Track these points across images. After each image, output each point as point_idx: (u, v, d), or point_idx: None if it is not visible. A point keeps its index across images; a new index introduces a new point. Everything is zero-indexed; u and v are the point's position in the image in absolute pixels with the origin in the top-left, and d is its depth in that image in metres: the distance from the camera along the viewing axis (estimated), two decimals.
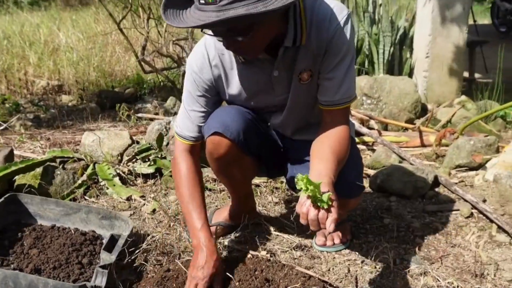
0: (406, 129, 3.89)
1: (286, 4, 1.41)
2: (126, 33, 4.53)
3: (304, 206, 1.42)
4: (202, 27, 1.47)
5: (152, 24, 4.42)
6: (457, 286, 1.88)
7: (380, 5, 4.76)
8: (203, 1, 1.42)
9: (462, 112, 3.99)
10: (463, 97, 4.36)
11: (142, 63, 4.30)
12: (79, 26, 7.42)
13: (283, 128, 2.06)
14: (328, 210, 1.39)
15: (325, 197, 1.37)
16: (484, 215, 2.39)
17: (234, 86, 1.87)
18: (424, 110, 4.23)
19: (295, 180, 1.39)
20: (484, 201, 2.49)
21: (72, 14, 9.05)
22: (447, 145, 3.34)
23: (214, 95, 1.91)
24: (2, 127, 3.97)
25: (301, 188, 1.36)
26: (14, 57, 5.94)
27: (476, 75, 5.44)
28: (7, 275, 1.74)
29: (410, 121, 4.03)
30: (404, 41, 4.64)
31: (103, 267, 1.82)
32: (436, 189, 2.70)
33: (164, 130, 2.90)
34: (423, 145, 3.56)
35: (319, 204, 1.38)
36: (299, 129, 2.03)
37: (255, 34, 1.53)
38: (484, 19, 10.84)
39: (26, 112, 4.58)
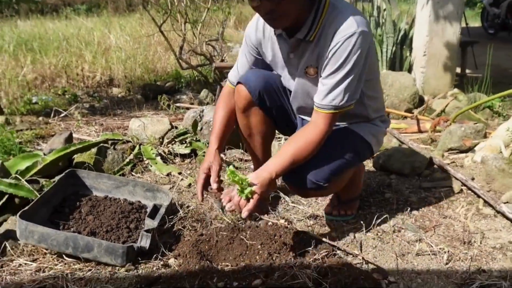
0: (405, 117, 3.85)
1: None
2: (166, 35, 4.54)
3: (231, 191, 1.59)
4: None
5: (188, 27, 4.42)
6: (448, 251, 1.87)
7: (384, 10, 4.68)
8: None
9: (454, 103, 3.93)
10: (456, 90, 4.29)
11: (180, 60, 4.31)
12: (127, 30, 7.46)
13: (293, 103, 2.03)
14: (247, 201, 1.54)
15: (246, 191, 1.52)
16: (472, 191, 2.37)
17: (269, 54, 1.92)
18: (421, 101, 4.17)
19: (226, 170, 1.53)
20: (473, 179, 2.46)
21: (120, 19, 9.09)
22: (440, 131, 3.31)
23: (256, 54, 1.98)
24: (62, 114, 4.04)
25: (229, 178, 1.51)
26: (72, 55, 6.00)
27: (467, 71, 5.35)
28: (68, 237, 1.78)
29: (409, 110, 4.00)
30: (405, 41, 4.57)
31: (147, 231, 1.86)
32: (431, 169, 2.67)
33: (198, 117, 2.92)
34: (420, 131, 3.53)
35: (239, 194, 1.54)
36: (301, 108, 2.00)
37: (283, 4, 1.54)
38: (475, 22, 10.61)
39: (83, 102, 4.65)
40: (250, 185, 1.55)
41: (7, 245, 1.88)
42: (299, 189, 1.86)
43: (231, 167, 1.53)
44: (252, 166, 2.52)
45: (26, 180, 2.25)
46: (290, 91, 1.98)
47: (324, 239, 1.91)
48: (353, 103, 1.72)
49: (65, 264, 1.80)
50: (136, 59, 5.87)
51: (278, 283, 1.62)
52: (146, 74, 5.52)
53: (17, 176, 2.28)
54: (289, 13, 1.61)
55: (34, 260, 1.83)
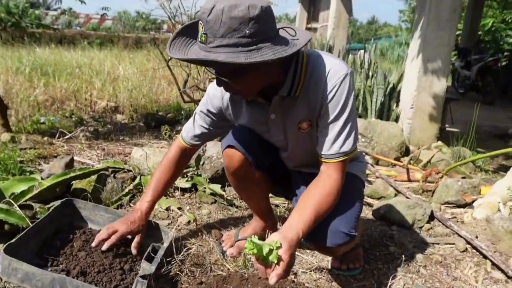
0: (394, 165, 3.55)
1: (265, 60, 1.13)
2: (172, 70, 4.22)
3: (255, 262, 1.19)
4: (185, 60, 1.28)
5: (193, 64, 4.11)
6: None
7: (375, 63, 4.45)
8: (199, 39, 1.19)
9: (439, 155, 3.65)
10: (440, 143, 4.04)
11: (183, 94, 3.97)
12: (135, 63, 7.16)
13: (287, 162, 1.71)
14: (276, 265, 1.15)
15: (271, 257, 1.14)
16: (479, 251, 2.02)
17: (242, 119, 1.57)
18: (407, 151, 3.90)
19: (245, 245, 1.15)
20: (477, 237, 2.12)
21: (130, 53, 8.81)
22: (431, 182, 3.00)
23: (218, 119, 1.65)
24: (67, 136, 3.64)
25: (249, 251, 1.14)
26: (83, 82, 5.68)
27: (445, 125, 5.14)
28: (55, 279, 1.39)
29: (397, 158, 3.70)
30: (393, 94, 4.32)
31: (143, 277, 1.46)
32: (432, 223, 2.33)
33: (201, 151, 2.55)
34: (409, 180, 3.23)
35: (265, 261, 1.15)
36: (301, 166, 1.69)
37: (241, 80, 1.25)
38: (448, 82, 10.58)
39: (88, 126, 4.25)
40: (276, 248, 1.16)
41: None
42: (329, 248, 1.47)
43: (252, 237, 1.16)
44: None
45: (19, 205, 1.86)
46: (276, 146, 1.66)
47: None
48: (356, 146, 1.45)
49: None
50: (141, 90, 5.55)
51: None
52: (149, 104, 5.16)
53: (10, 200, 1.88)
54: (255, 84, 1.33)
55: None
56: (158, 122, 4.33)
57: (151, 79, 6.18)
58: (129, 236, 1.65)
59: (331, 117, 1.38)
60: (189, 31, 1.28)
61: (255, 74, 1.26)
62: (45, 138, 3.59)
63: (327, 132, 1.40)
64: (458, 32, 9.18)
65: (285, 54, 1.17)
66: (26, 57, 6.82)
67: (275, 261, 1.13)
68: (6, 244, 1.47)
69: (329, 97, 1.36)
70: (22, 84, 5.23)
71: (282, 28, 1.29)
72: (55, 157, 3.09)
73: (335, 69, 1.36)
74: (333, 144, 1.39)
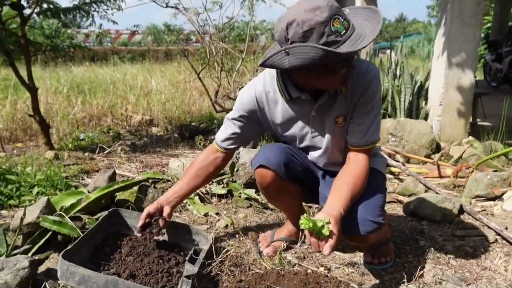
0: (425, 162, 3.58)
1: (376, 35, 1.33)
2: (203, 81, 4.41)
3: (308, 237, 1.34)
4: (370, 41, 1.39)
5: (223, 74, 4.28)
6: None
7: (402, 63, 4.48)
8: (342, 32, 1.34)
9: (471, 150, 3.64)
10: (470, 138, 4.02)
11: (215, 104, 4.14)
12: (166, 76, 7.42)
13: (319, 160, 1.80)
14: (328, 238, 1.31)
15: (324, 230, 1.30)
16: (509, 241, 2.06)
17: (278, 118, 1.68)
18: (438, 147, 3.91)
19: (299, 222, 1.32)
20: (506, 228, 2.16)
21: (161, 66, 9.11)
22: (462, 177, 3.02)
23: (251, 123, 1.74)
24: (106, 151, 3.88)
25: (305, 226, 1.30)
26: (117, 97, 5.96)
27: (477, 120, 5.08)
28: (109, 280, 1.54)
29: (427, 156, 3.71)
30: (421, 92, 4.34)
31: (187, 277, 1.60)
32: (461, 216, 2.38)
33: (235, 159, 2.69)
34: (440, 176, 3.25)
35: (319, 235, 1.31)
36: (331, 164, 1.78)
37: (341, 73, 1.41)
38: (479, 76, 10.37)
39: (125, 140, 4.49)
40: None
41: (46, 285, 1.65)
42: (359, 236, 1.57)
43: (305, 215, 1.32)
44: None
45: (70, 217, 2.04)
46: (307, 148, 1.78)
47: None
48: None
49: None
50: (174, 102, 5.78)
51: None
52: (183, 115, 5.38)
53: (61, 213, 2.07)
54: (346, 77, 1.48)
55: None
56: (192, 132, 4.52)
57: (183, 91, 6.40)
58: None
59: (367, 108, 1.57)
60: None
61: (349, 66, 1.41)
62: (86, 154, 3.84)
63: (361, 122, 1.58)
64: (488, 25, 9.02)
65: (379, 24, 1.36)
66: (63, 77, 7.20)
67: (327, 234, 1.29)
68: (63, 251, 1.64)
69: (366, 91, 1.54)
70: (61, 103, 5.54)
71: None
72: (97, 171, 3.32)
73: (369, 68, 1.55)
74: (366, 134, 1.58)
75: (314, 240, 1.32)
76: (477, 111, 4.88)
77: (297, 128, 1.70)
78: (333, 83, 1.45)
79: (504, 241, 2.10)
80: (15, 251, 1.87)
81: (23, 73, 3.74)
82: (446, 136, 4.07)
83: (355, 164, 1.58)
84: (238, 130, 1.76)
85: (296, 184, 1.84)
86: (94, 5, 3.96)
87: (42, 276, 1.72)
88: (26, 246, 1.92)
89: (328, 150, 1.72)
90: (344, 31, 1.31)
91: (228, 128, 1.78)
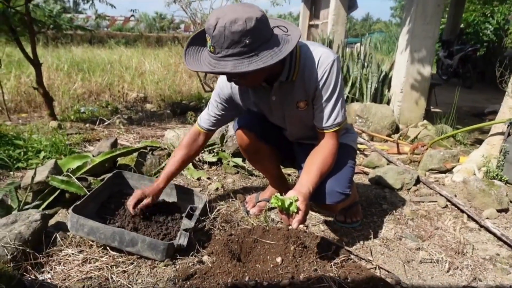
0: (386, 141, 3.66)
1: (266, 66, 1.24)
2: None
3: (279, 213, 1.37)
4: (200, 71, 1.45)
5: None
6: (447, 261, 1.65)
7: (370, 54, 4.51)
8: (209, 49, 1.29)
9: (425, 132, 3.74)
10: (425, 121, 4.11)
11: (204, 84, 4.08)
12: (159, 59, 7.24)
13: (290, 136, 1.83)
14: (295, 215, 1.33)
15: (291, 207, 1.32)
16: (457, 207, 2.15)
17: (248, 102, 1.68)
18: (397, 129, 3.99)
19: (270, 200, 1.34)
20: (455, 196, 2.24)
21: (153, 51, 8.87)
22: (418, 154, 3.11)
23: (229, 106, 1.73)
24: (106, 123, 3.80)
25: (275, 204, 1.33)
26: (114, 76, 5.79)
27: (430, 107, 5.20)
28: (115, 232, 1.53)
29: (388, 135, 3.80)
30: (385, 80, 4.39)
31: (185, 230, 1.61)
32: (418, 186, 2.46)
33: (224, 131, 2.68)
34: (399, 152, 3.33)
35: (287, 212, 1.33)
36: (300, 139, 1.81)
37: (248, 77, 1.38)
38: (433, 70, 10.52)
39: (122, 114, 4.39)
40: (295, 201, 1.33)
41: (57, 236, 1.63)
42: (329, 205, 1.58)
43: (275, 194, 1.33)
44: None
45: (76, 178, 2.00)
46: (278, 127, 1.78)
47: (339, 244, 1.67)
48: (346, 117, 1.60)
49: (110, 256, 1.55)
50: (165, 82, 5.66)
51: (305, 285, 1.38)
52: (174, 95, 5.28)
53: (69, 174, 2.03)
54: (259, 78, 1.45)
55: (81, 251, 1.58)
56: (182, 109, 4.45)
57: (174, 73, 6.27)
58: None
59: (325, 97, 1.51)
60: (197, 40, 1.39)
61: (259, 72, 1.34)
62: (87, 125, 3.74)
63: (323, 109, 1.53)
64: (442, 26, 9.14)
65: (281, 56, 1.28)
66: (63, 55, 6.93)
67: (295, 211, 1.31)
68: (73, 205, 1.61)
69: (322, 81, 1.48)
70: (62, 79, 5.35)
71: (276, 26, 1.39)
72: (98, 140, 3.24)
73: (324, 56, 1.47)
74: (329, 118, 1.52)
75: (284, 216, 1.34)
76: (431, 99, 4.98)
77: (264, 111, 1.70)
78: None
79: (453, 207, 2.18)
80: (26, 207, 1.83)
81: (28, 49, 3.58)
82: (404, 119, 4.15)
83: (324, 145, 1.55)
84: (218, 112, 1.76)
85: (273, 148, 1.85)
86: None
87: (53, 228, 1.70)
88: (36, 202, 1.88)
89: (292, 129, 1.73)
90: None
91: (210, 111, 1.77)
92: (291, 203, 1.31)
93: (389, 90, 4.37)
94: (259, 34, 1.26)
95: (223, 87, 1.70)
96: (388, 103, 4.31)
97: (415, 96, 4.13)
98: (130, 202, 1.69)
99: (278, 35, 1.36)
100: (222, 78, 1.70)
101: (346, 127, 1.81)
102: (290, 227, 1.41)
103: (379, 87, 4.33)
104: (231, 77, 1.40)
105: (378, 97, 4.36)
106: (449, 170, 2.67)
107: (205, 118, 1.79)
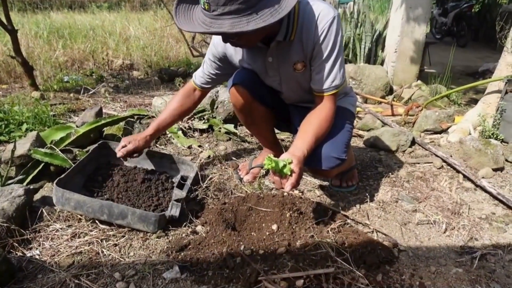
0: (381, 102, 3.60)
1: (267, 25, 1.14)
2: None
3: (271, 176, 1.29)
4: (194, 32, 1.29)
5: None
6: (444, 222, 1.63)
7: (363, 13, 4.35)
8: (202, 6, 1.17)
9: (419, 92, 3.68)
10: (419, 82, 4.04)
11: (192, 49, 3.91)
12: (144, 23, 6.93)
13: (286, 99, 1.75)
14: (289, 177, 1.26)
15: (285, 169, 1.25)
16: (453, 167, 2.13)
17: (243, 61, 1.60)
18: (391, 90, 3.91)
19: (264, 162, 1.25)
20: (451, 156, 2.21)
21: (137, 15, 8.49)
22: (412, 115, 3.06)
23: (223, 63, 1.66)
24: (91, 92, 3.65)
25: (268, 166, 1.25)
26: (98, 43, 5.53)
27: (424, 67, 5.11)
28: (103, 205, 1.47)
29: (382, 97, 3.73)
30: (379, 40, 4.26)
31: (177, 200, 1.56)
32: (413, 147, 2.42)
33: (215, 97, 2.58)
34: (393, 114, 3.29)
35: (281, 173, 1.26)
36: (297, 102, 1.73)
37: (245, 37, 1.28)
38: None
39: (108, 82, 4.23)
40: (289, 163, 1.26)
41: (43, 211, 1.57)
42: (324, 170, 1.53)
43: (269, 155, 1.26)
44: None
45: (60, 150, 1.91)
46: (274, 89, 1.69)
47: (335, 209, 1.64)
48: (345, 79, 1.50)
49: (100, 230, 1.50)
50: (152, 48, 5.43)
51: (302, 252, 1.36)
52: (161, 61, 5.09)
53: (52, 146, 1.94)
54: (256, 38, 1.35)
55: (69, 226, 1.52)
56: (171, 76, 4.31)
57: (160, 38, 6.02)
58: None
59: (324, 56, 1.41)
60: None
61: (258, 31, 1.24)
62: (71, 95, 3.59)
63: (320, 70, 1.44)
64: None
65: (283, 14, 1.18)
66: (42, 21, 6.60)
67: (289, 173, 1.25)
68: (57, 179, 1.54)
69: (321, 39, 1.38)
70: (42, 47, 5.10)
71: None
72: (83, 110, 3.12)
73: (323, 13, 1.37)
74: (326, 80, 1.44)
75: (277, 178, 1.27)
76: (424, 59, 4.89)
77: (259, 72, 1.62)
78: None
79: (449, 167, 2.16)
80: (9, 181, 1.75)
81: (1, 15, 3.36)
82: (398, 80, 4.08)
83: (321, 108, 1.47)
84: (212, 71, 1.69)
85: (269, 110, 1.78)
86: None
87: (38, 203, 1.64)
88: (20, 177, 1.80)
89: (288, 92, 1.65)
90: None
91: (204, 68, 1.71)
92: (284, 165, 1.25)
93: (383, 51, 4.26)
94: None
95: (217, 46, 1.61)
96: (382, 64, 4.21)
97: (409, 56, 4.03)
98: (117, 148, 1.66)
99: None
100: (217, 37, 1.60)
101: (345, 91, 1.74)
102: (282, 190, 1.36)
103: (372, 47, 4.21)
104: (227, 37, 1.30)
105: (372, 58, 4.25)
106: (445, 131, 2.63)
107: (200, 76, 1.73)
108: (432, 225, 1.61)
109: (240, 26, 1.15)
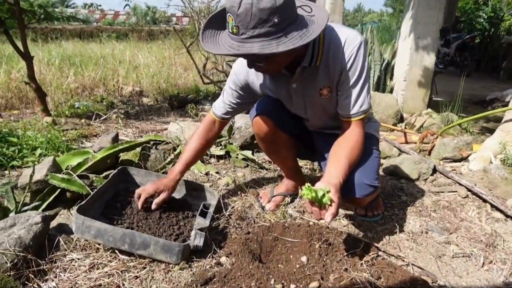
0: (392, 130, 3.55)
1: (296, 47, 1.10)
2: (192, 55, 4.15)
3: (309, 206, 1.22)
4: (222, 54, 1.25)
5: None
6: (481, 255, 1.54)
7: (372, 42, 4.38)
8: (230, 31, 1.13)
9: (430, 120, 3.64)
10: (429, 110, 4.01)
11: (203, 76, 3.91)
12: (152, 52, 7.03)
13: (310, 126, 1.70)
14: (328, 206, 1.18)
15: (324, 199, 1.17)
16: (479, 196, 2.04)
17: (267, 89, 1.56)
18: (401, 118, 3.89)
19: (300, 191, 1.19)
20: (475, 185, 2.14)
21: (146, 44, 8.64)
22: (427, 143, 3.00)
23: (245, 93, 1.61)
24: (103, 118, 3.62)
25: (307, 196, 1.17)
26: (108, 70, 5.59)
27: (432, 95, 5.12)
28: (126, 234, 1.39)
29: (394, 124, 3.70)
30: (387, 69, 4.27)
31: (200, 229, 1.47)
32: (434, 175, 2.35)
33: (231, 123, 2.54)
34: (406, 142, 3.23)
35: (320, 203, 1.18)
36: (322, 128, 1.68)
37: (272, 62, 1.23)
38: None
39: (118, 108, 4.21)
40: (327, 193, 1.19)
41: (60, 239, 1.48)
42: (358, 198, 1.46)
43: (306, 185, 1.18)
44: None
45: (77, 176, 1.84)
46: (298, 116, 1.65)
47: (367, 240, 1.55)
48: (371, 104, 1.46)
49: (119, 261, 1.40)
50: (161, 75, 5.48)
51: (337, 287, 1.26)
52: (170, 88, 5.10)
53: (69, 171, 1.87)
54: (283, 63, 1.31)
55: (87, 256, 1.43)
56: (181, 102, 4.29)
57: (169, 66, 6.09)
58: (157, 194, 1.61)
59: (351, 81, 1.37)
60: (215, 23, 1.24)
61: (284, 55, 1.23)
62: (83, 120, 3.56)
63: (348, 95, 1.40)
64: None
65: (311, 37, 1.14)
66: (54, 50, 6.69)
67: (328, 203, 1.17)
68: (78, 206, 1.46)
69: (348, 64, 1.35)
70: (54, 74, 5.14)
71: (299, 6, 1.25)
72: (95, 136, 3.07)
73: (350, 38, 1.34)
74: (354, 105, 1.40)
75: (316, 209, 1.20)
76: (433, 87, 4.90)
77: (283, 99, 1.57)
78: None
79: (474, 196, 2.08)
80: (25, 208, 1.68)
81: (18, 43, 3.38)
82: (408, 108, 4.06)
83: (350, 134, 1.42)
84: (233, 101, 1.64)
85: (291, 137, 1.73)
86: None
87: (54, 231, 1.55)
88: (36, 203, 1.72)
89: (313, 119, 1.61)
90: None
91: (225, 99, 1.66)
92: (323, 195, 1.17)
93: (391, 79, 4.26)
94: (288, 12, 1.12)
95: (239, 74, 1.57)
96: (391, 92, 4.20)
97: (419, 84, 4.03)
98: (141, 198, 1.57)
99: (303, 16, 1.22)
100: (239, 64, 1.56)
101: (369, 116, 1.69)
102: (322, 221, 1.27)
103: (381, 75, 4.22)
104: (254, 61, 1.25)
105: (381, 86, 4.25)
106: (464, 159, 2.57)
107: (220, 106, 1.67)
108: (468, 258, 1.52)
109: (270, 48, 1.11)
